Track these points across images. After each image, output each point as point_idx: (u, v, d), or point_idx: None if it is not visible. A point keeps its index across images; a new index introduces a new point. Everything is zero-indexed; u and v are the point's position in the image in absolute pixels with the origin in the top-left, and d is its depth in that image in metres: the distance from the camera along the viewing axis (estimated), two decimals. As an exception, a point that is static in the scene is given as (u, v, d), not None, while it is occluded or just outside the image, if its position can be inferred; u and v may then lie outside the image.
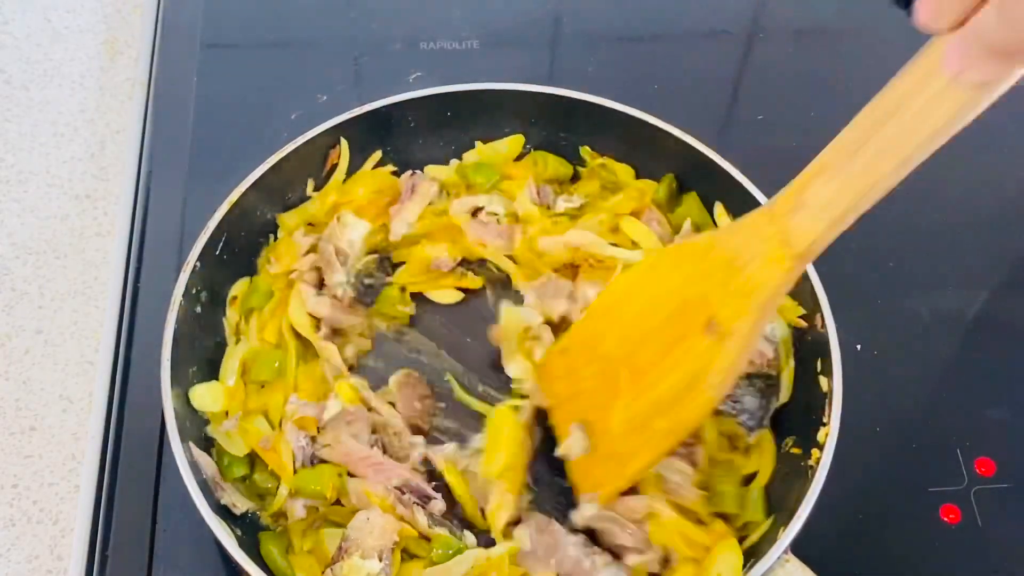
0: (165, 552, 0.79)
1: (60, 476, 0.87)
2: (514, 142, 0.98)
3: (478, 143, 0.97)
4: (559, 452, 0.76)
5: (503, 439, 0.78)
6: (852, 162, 0.54)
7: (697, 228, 0.92)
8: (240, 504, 0.77)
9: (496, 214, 0.93)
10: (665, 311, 0.67)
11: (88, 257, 1.01)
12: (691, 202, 0.94)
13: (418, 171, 0.97)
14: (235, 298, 0.88)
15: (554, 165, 0.97)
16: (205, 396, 0.81)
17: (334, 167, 0.93)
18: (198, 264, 0.81)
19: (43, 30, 1.18)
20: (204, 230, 0.83)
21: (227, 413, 0.81)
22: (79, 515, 0.83)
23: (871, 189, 0.54)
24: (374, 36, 1.16)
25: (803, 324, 0.83)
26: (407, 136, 0.96)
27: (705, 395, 0.65)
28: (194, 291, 0.82)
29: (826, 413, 0.77)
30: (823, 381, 0.79)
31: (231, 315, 0.87)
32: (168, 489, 0.81)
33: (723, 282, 0.63)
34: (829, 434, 0.75)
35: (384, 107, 0.92)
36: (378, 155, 0.96)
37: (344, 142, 0.92)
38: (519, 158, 0.99)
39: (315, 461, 0.79)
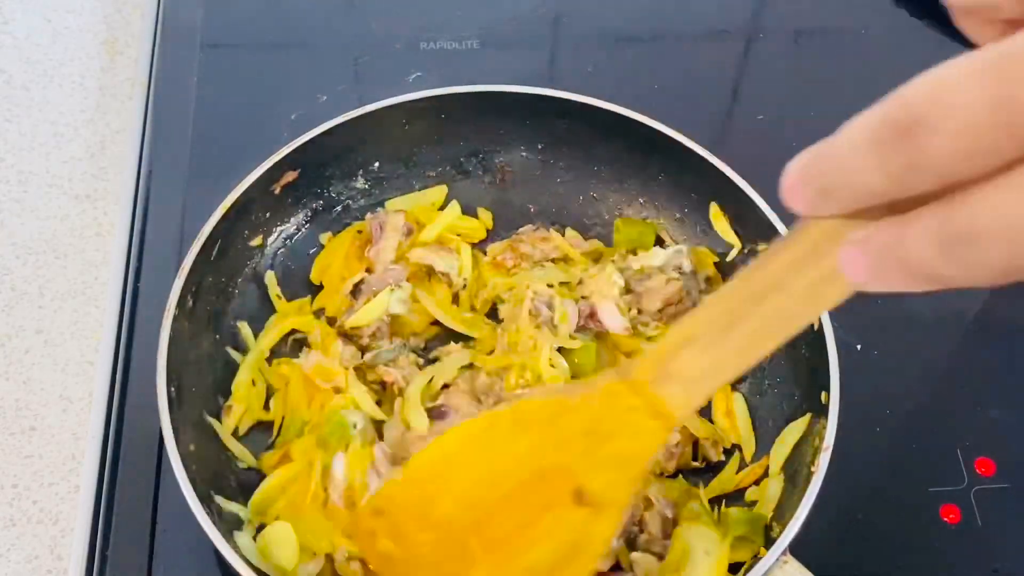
0: (165, 552, 0.79)
1: (60, 476, 0.87)
2: (438, 192, 0.98)
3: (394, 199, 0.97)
4: None
5: None
6: (726, 337, 0.47)
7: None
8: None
9: (447, 274, 0.92)
10: (515, 479, 0.60)
11: (88, 257, 1.01)
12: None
13: (378, 209, 0.96)
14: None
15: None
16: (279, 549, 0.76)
17: (285, 188, 0.91)
18: (195, 266, 0.81)
19: (43, 30, 1.18)
20: (200, 232, 0.83)
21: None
22: (79, 515, 0.83)
23: (749, 363, 0.48)
24: (374, 36, 1.16)
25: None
26: (406, 139, 0.96)
27: (588, 566, 0.60)
28: (191, 294, 0.82)
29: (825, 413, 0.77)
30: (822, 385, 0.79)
31: (271, 457, 0.82)
32: (168, 489, 0.81)
33: (586, 452, 0.57)
34: (828, 434, 0.75)
35: (384, 108, 0.92)
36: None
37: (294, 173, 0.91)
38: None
39: None
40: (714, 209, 0.93)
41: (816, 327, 0.81)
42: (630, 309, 0.89)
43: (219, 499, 0.76)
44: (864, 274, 0.39)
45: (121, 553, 0.79)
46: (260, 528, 0.77)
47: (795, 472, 0.78)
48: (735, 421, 0.85)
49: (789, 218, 0.88)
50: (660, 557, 0.77)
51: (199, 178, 1.00)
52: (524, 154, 0.99)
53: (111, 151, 1.09)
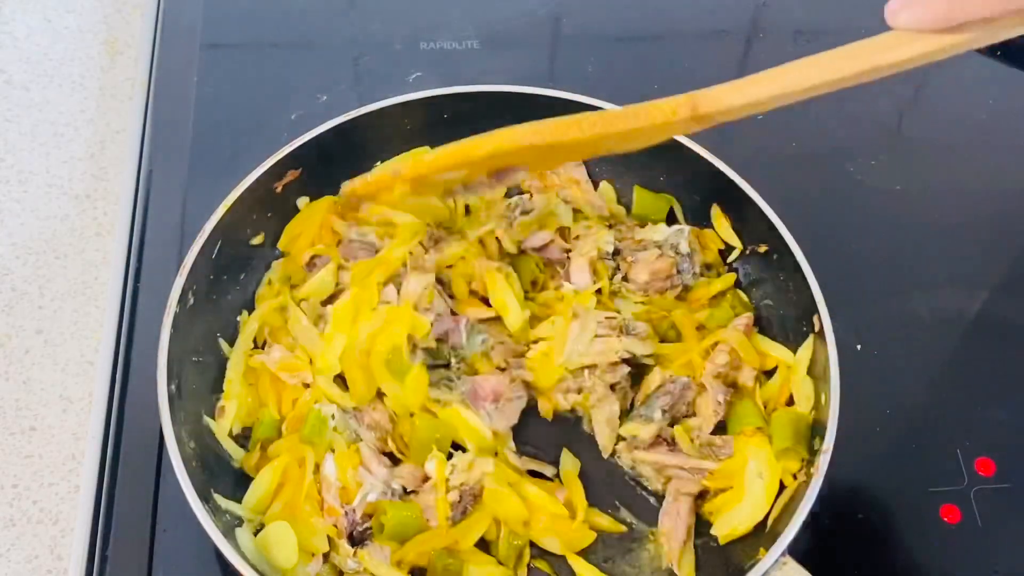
0: (165, 552, 0.79)
1: (60, 476, 0.87)
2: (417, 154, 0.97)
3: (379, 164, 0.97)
4: None
5: None
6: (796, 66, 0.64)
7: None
8: None
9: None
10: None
11: (88, 257, 1.01)
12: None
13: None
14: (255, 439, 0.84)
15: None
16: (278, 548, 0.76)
17: (285, 187, 0.91)
18: (195, 265, 0.81)
19: (43, 30, 1.18)
20: (201, 231, 0.83)
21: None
22: (79, 515, 0.83)
23: (797, 88, 0.65)
24: (374, 36, 1.16)
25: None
26: (406, 138, 0.96)
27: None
28: (191, 292, 0.82)
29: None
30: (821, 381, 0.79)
31: (249, 457, 0.82)
32: (168, 489, 0.81)
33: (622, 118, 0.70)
34: (828, 437, 0.75)
35: (384, 108, 0.92)
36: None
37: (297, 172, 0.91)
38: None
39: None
40: (715, 210, 0.93)
41: (817, 328, 0.81)
42: (613, 275, 0.91)
43: (218, 498, 0.76)
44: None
45: (121, 553, 0.79)
46: (261, 527, 0.78)
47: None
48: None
49: (789, 218, 0.88)
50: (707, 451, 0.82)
51: (199, 178, 1.00)
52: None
53: (111, 151, 1.09)
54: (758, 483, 0.79)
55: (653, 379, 0.86)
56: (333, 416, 0.81)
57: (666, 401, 0.83)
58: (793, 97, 0.66)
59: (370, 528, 0.77)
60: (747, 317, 0.88)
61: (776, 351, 0.87)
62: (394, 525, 0.76)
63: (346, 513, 0.77)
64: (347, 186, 0.83)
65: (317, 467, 0.80)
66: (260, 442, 0.82)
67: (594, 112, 0.72)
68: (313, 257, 0.91)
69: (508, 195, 0.97)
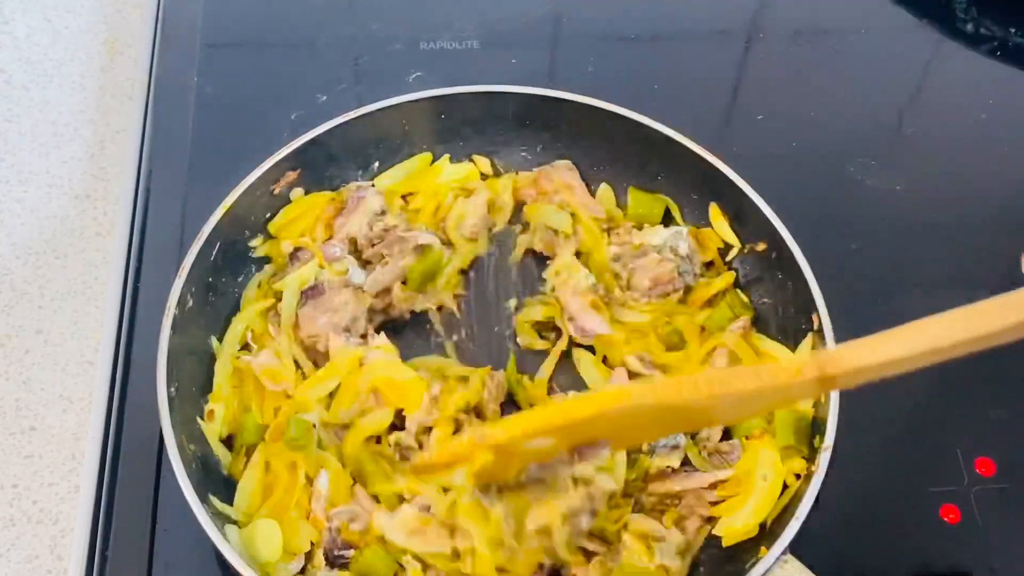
0: (165, 552, 0.79)
1: (60, 476, 0.87)
2: (422, 159, 0.98)
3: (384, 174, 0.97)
4: None
5: None
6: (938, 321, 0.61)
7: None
8: None
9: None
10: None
11: (88, 257, 1.01)
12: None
13: (366, 184, 0.95)
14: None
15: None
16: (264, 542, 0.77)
17: (285, 188, 0.91)
18: (194, 266, 0.81)
19: (43, 30, 1.18)
20: (201, 232, 0.83)
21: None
22: (79, 515, 0.83)
23: (940, 345, 0.62)
24: (374, 36, 1.16)
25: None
26: (406, 139, 0.96)
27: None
28: (191, 293, 0.82)
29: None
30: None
31: (235, 463, 0.82)
32: (168, 489, 0.81)
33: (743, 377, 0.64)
34: (828, 434, 0.75)
35: (384, 108, 0.92)
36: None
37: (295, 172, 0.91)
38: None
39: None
40: (714, 209, 0.93)
41: (816, 326, 0.81)
42: (612, 291, 0.90)
43: (214, 500, 0.76)
44: None
45: (121, 553, 0.79)
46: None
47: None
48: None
49: (788, 217, 0.88)
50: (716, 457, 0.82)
51: (199, 178, 1.00)
52: (524, 154, 0.99)
53: (111, 151, 1.09)
54: (762, 485, 0.79)
55: None
56: (315, 425, 0.81)
57: None
58: (937, 356, 0.63)
59: (347, 557, 0.77)
60: (745, 320, 0.88)
61: (775, 350, 0.87)
62: (363, 569, 0.76)
63: (329, 529, 0.77)
64: (419, 459, 0.78)
65: (309, 479, 0.79)
66: (244, 447, 0.81)
67: (710, 372, 0.70)
68: (297, 250, 0.90)
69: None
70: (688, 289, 0.91)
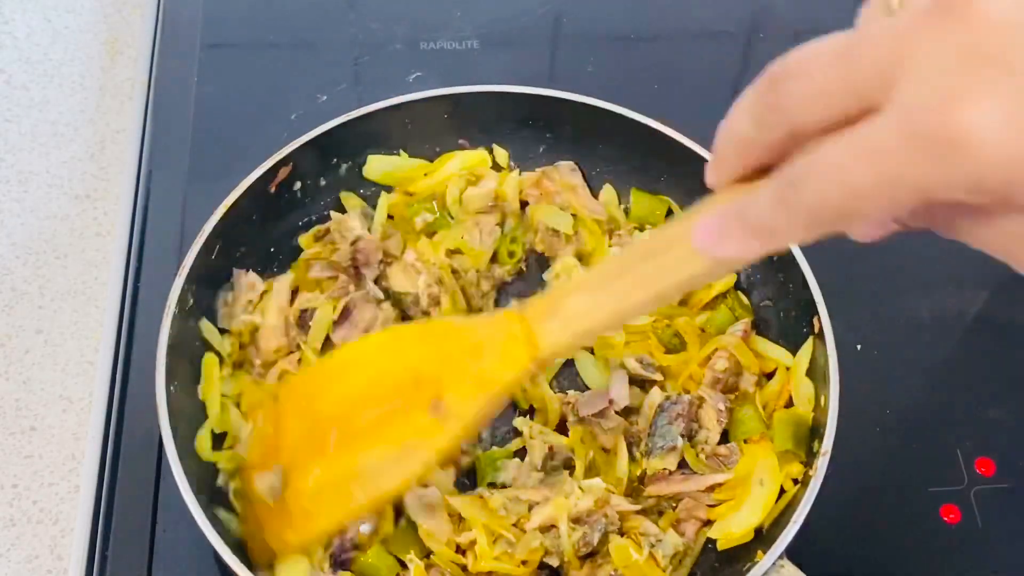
0: (165, 552, 0.79)
1: (60, 476, 0.87)
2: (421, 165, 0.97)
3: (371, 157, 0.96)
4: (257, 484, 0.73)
5: None
6: (610, 286, 0.56)
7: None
8: None
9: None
10: (393, 383, 0.68)
11: (88, 257, 1.01)
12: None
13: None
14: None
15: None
16: None
17: (281, 185, 0.90)
18: (193, 270, 0.81)
19: (43, 30, 1.18)
20: (202, 231, 0.83)
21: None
22: (79, 515, 0.83)
23: (620, 313, 0.56)
24: (374, 36, 1.16)
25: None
26: (408, 139, 0.96)
27: (411, 470, 0.66)
28: (191, 293, 0.82)
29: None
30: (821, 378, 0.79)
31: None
32: (168, 489, 0.81)
33: (460, 367, 0.64)
34: (827, 438, 0.75)
35: (386, 108, 0.92)
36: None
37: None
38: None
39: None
40: None
41: (817, 329, 0.81)
42: None
43: (219, 511, 0.76)
44: (708, 239, 0.47)
45: (121, 553, 0.79)
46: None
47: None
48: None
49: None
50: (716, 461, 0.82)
51: (199, 178, 1.00)
52: (527, 154, 0.99)
53: (111, 151, 1.09)
54: (759, 491, 0.79)
55: (653, 401, 0.84)
56: None
57: (682, 425, 0.82)
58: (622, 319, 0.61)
59: (351, 559, 0.77)
60: (745, 323, 0.88)
61: (775, 353, 0.87)
62: (365, 569, 0.76)
63: (341, 533, 0.77)
64: (257, 557, 0.75)
65: None
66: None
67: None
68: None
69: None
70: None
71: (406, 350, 0.69)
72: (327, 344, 0.87)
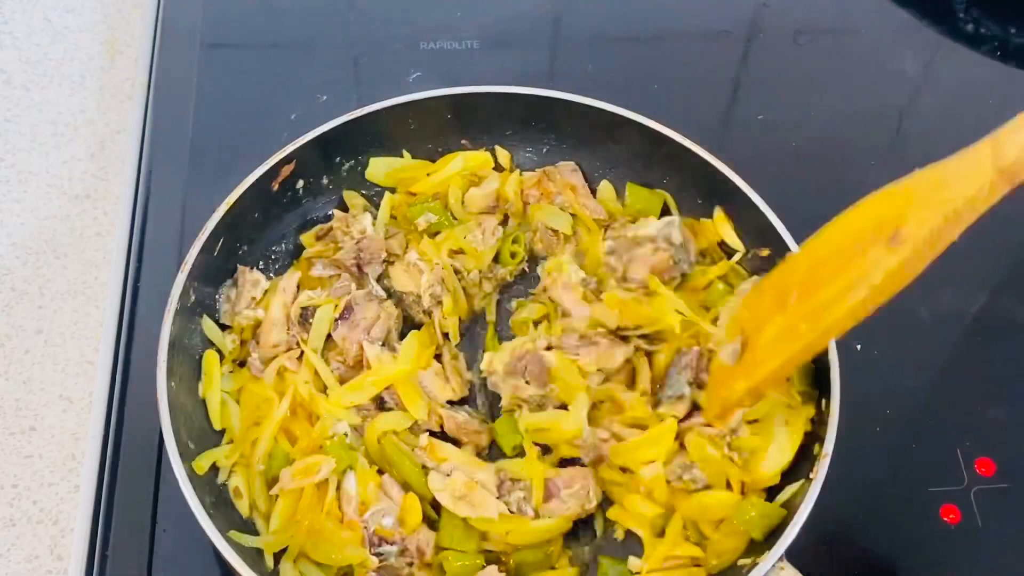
0: (165, 552, 0.79)
1: (60, 476, 0.87)
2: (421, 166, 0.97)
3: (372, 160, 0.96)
4: (721, 355, 0.79)
5: None
6: None
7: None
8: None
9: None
10: (855, 233, 0.69)
11: (88, 257, 1.01)
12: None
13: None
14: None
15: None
16: None
17: (284, 182, 0.91)
18: (195, 267, 0.81)
19: (43, 30, 1.18)
20: (203, 230, 0.83)
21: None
22: (79, 515, 0.83)
23: None
24: (374, 36, 1.16)
25: None
26: (410, 139, 0.96)
27: (857, 296, 0.67)
28: (192, 290, 0.82)
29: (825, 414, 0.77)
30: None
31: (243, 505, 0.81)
32: (168, 489, 0.81)
33: (924, 200, 0.65)
34: (827, 441, 0.75)
35: (388, 108, 0.92)
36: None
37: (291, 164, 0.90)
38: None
39: None
40: (718, 213, 0.92)
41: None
42: (605, 284, 0.91)
43: (233, 534, 0.75)
44: None
45: (121, 553, 0.79)
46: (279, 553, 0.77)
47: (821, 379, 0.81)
48: None
49: (788, 218, 0.88)
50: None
51: (199, 178, 1.00)
52: (529, 155, 0.99)
53: (111, 151, 1.09)
54: (783, 431, 0.80)
55: (664, 356, 0.86)
56: (347, 435, 0.82)
57: (689, 374, 0.83)
58: None
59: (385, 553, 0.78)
60: (751, 280, 0.88)
61: None
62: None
63: (365, 527, 0.77)
64: (711, 411, 0.82)
65: (338, 484, 0.80)
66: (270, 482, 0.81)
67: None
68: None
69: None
70: (685, 277, 0.91)
71: (870, 203, 0.70)
72: (328, 342, 0.87)
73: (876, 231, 0.66)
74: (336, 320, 0.87)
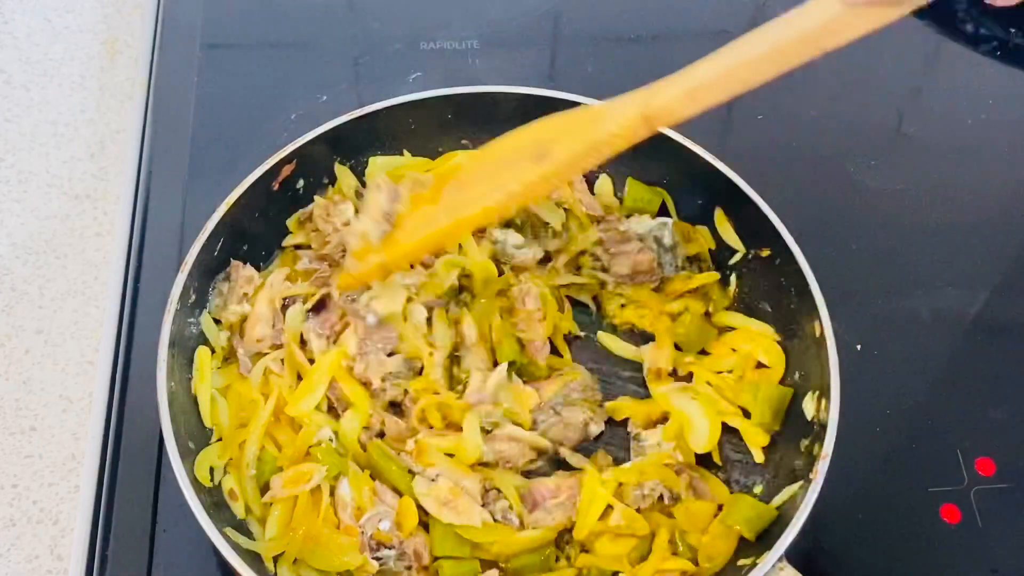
0: (165, 552, 0.79)
1: (60, 476, 0.87)
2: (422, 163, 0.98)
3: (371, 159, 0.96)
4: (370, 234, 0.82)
5: None
6: (730, 50, 0.69)
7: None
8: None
9: None
10: (513, 147, 0.79)
11: (88, 257, 1.01)
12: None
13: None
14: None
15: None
16: None
17: (285, 182, 0.91)
18: (195, 266, 0.81)
19: (43, 30, 1.18)
20: (203, 229, 0.83)
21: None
22: (79, 515, 0.83)
23: (736, 70, 0.70)
24: (374, 36, 1.16)
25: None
26: (409, 139, 0.96)
27: (494, 198, 0.77)
28: (193, 290, 0.82)
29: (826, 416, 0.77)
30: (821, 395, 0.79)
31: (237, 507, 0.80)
32: (168, 489, 0.81)
33: (574, 130, 0.75)
34: (827, 442, 0.75)
35: (388, 107, 0.92)
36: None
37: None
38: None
39: None
40: (719, 213, 0.92)
41: (818, 333, 0.81)
42: (592, 267, 0.93)
43: (231, 532, 0.74)
44: None
45: (121, 553, 0.79)
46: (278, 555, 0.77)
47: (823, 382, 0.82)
48: None
49: (788, 218, 0.88)
50: None
51: (199, 178, 1.00)
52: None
53: (111, 151, 1.09)
54: (691, 405, 0.86)
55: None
56: (332, 440, 0.82)
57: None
58: (748, 74, 0.72)
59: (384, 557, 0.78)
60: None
61: (756, 327, 0.89)
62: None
63: (362, 532, 0.77)
64: (342, 281, 0.86)
65: (332, 490, 0.79)
66: (262, 484, 0.80)
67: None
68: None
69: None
70: (665, 280, 0.92)
71: (534, 127, 0.78)
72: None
73: (530, 149, 0.77)
74: (309, 312, 0.87)
